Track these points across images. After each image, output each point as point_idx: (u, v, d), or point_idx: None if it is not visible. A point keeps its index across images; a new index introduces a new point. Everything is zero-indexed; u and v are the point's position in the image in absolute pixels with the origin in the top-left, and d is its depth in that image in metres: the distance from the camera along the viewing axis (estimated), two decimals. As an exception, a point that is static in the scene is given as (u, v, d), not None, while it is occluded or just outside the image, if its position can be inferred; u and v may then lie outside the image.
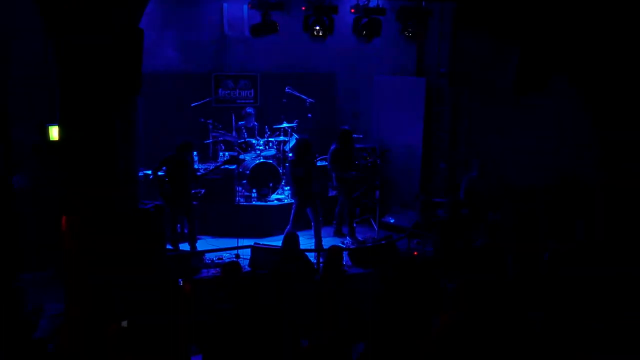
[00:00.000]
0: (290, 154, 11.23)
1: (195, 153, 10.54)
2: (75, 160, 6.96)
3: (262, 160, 10.96)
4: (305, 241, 9.88)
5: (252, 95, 12.06)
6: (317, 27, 9.94)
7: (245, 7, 10.62)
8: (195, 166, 10.46)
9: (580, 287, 6.20)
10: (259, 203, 10.78)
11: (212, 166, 10.67)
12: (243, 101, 11.94)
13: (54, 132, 8.61)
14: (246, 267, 8.79)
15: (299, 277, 7.46)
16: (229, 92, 11.90)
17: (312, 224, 9.68)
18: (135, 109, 7.84)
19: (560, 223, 8.74)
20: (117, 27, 6.83)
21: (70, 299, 7.09)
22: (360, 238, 10.30)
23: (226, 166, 10.57)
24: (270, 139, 11.27)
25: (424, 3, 10.44)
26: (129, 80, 7.08)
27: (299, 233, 9.42)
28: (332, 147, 10.16)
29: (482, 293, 6.68)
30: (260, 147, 11.17)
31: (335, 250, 7.27)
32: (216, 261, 9.18)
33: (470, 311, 5.94)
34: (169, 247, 9.21)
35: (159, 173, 9.46)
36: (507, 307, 6.45)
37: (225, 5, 11.31)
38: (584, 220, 8.55)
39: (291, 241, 7.69)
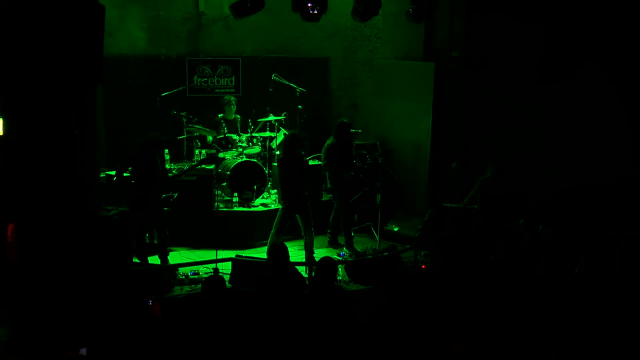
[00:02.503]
0: (278, 152, 11.16)
1: (166, 151, 10.43)
2: (24, 159, 6.85)
3: (244, 159, 10.87)
4: (295, 253, 9.83)
5: (233, 83, 12.00)
6: (311, 4, 9.85)
7: (225, -20, 10.61)
8: (167, 166, 10.35)
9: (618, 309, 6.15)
10: (241, 209, 10.69)
11: (186, 166, 10.56)
12: (222, 90, 11.87)
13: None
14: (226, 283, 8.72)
15: (288, 294, 7.38)
16: (206, 79, 11.85)
17: (303, 232, 9.60)
18: (95, 98, 7.73)
19: (596, 233, 8.69)
20: (73, 1, 6.73)
21: (16, 323, 6.95)
22: (358, 249, 10.22)
23: (203, 166, 10.48)
24: (254, 135, 11.18)
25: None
26: (87, 65, 6.97)
27: (287, 243, 9.37)
28: (327, 143, 10.07)
29: (500, 319, 6.69)
30: (243, 144, 11.08)
31: (326, 263, 7.18)
32: (191, 277, 9.07)
33: (486, 339, 5.92)
34: (135, 260, 9.07)
35: (124, 174, 9.37)
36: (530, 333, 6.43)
37: (200, -23, 11.33)
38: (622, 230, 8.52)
39: (278, 251, 7.61)
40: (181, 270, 9.18)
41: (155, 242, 9.72)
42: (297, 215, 9.54)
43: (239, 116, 11.38)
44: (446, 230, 9.83)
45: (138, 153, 9.28)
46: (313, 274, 8.80)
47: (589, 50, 9.04)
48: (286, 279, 7.48)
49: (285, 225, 9.55)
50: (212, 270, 9.16)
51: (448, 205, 9.99)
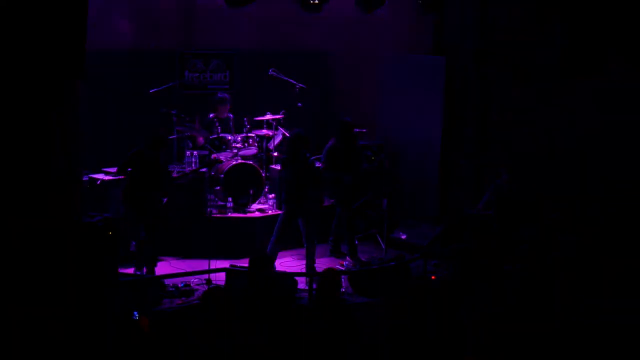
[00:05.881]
0: (276, 153, 11.16)
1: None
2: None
3: (240, 161, 10.87)
4: (296, 262, 9.91)
5: (228, 79, 12.00)
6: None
7: (219, -33, 10.58)
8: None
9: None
10: (236, 215, 10.69)
11: (177, 168, 10.56)
12: (216, 86, 11.86)
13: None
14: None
15: (278, 304, 7.41)
16: (197, 74, 11.85)
17: (304, 240, 9.59)
18: (78, 95, 7.70)
19: (623, 241, 8.67)
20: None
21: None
22: (363, 259, 10.22)
23: (205, 169, 10.50)
24: (250, 135, 11.17)
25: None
26: (68, 58, 6.94)
27: (286, 252, 9.37)
28: (329, 144, 10.08)
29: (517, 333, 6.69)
30: (238, 145, 11.06)
31: (330, 274, 7.19)
32: (182, 288, 9.04)
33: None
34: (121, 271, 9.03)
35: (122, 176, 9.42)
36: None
37: (192, -36, 11.34)
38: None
39: (258, 265, 7.61)
40: (170, 281, 9.10)
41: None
42: (298, 221, 9.55)
43: (232, 115, 11.38)
44: (467, 241, 9.79)
45: (140, 151, 9.28)
46: (314, 285, 8.79)
47: (613, 43, 9.03)
48: (273, 290, 7.49)
49: (286, 231, 9.56)
50: (204, 282, 9.17)
51: (469, 212, 9.98)
